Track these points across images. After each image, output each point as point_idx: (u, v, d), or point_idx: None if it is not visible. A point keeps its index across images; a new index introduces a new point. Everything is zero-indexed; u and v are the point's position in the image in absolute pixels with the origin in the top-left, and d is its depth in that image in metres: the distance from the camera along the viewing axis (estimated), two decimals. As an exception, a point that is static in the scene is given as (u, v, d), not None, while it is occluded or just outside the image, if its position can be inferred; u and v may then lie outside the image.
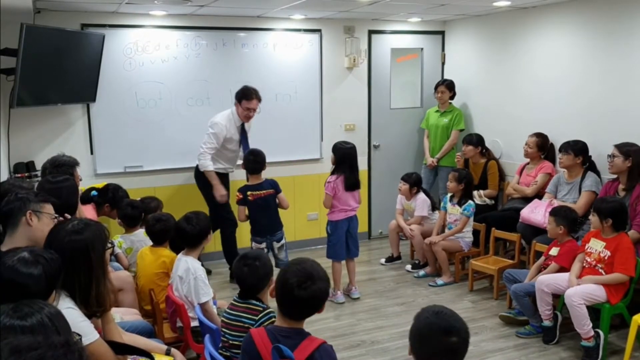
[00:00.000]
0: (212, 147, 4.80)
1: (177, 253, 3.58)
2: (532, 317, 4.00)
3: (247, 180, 4.69)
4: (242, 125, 4.95)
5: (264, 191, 4.43)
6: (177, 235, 3.45)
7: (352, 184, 4.53)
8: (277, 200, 4.52)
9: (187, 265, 3.29)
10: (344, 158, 4.49)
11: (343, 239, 4.63)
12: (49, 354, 1.20)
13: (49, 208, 2.54)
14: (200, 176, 4.95)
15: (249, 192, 4.40)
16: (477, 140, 5.53)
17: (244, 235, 5.05)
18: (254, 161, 4.43)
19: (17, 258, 1.91)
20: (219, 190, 4.86)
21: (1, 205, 2.41)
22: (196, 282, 3.23)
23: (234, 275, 2.81)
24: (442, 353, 1.74)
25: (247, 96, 4.79)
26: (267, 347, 2.07)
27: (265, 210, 4.44)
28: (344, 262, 4.73)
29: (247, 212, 4.51)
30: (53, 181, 3.19)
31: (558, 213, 4.11)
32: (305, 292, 2.07)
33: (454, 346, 1.73)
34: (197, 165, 4.93)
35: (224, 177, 5.04)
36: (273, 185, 4.47)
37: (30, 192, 2.50)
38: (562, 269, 3.94)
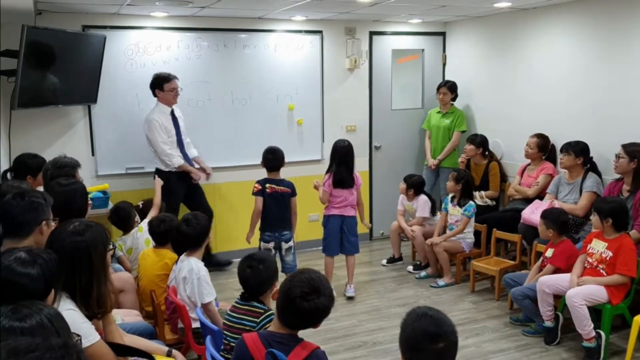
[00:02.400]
0: (165, 141, 4.81)
1: (180, 254, 3.59)
2: (537, 318, 3.99)
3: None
4: (172, 112, 4.94)
5: (283, 187, 4.48)
6: (179, 238, 3.45)
7: (338, 181, 4.60)
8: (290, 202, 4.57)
9: (190, 265, 3.31)
10: (334, 154, 4.66)
11: (336, 235, 4.74)
12: (46, 356, 1.20)
13: (51, 212, 2.53)
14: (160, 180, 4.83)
15: (267, 185, 4.45)
16: (479, 142, 5.52)
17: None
18: (273, 159, 4.48)
19: (14, 258, 1.88)
20: (196, 172, 4.98)
21: (16, 214, 2.33)
22: (199, 282, 3.24)
23: (238, 275, 2.80)
24: (433, 359, 1.74)
25: (165, 79, 4.83)
26: (260, 352, 2.06)
27: (279, 205, 4.49)
28: (337, 258, 4.85)
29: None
30: (65, 184, 3.15)
31: (547, 216, 4.11)
32: (308, 304, 2.06)
33: (442, 352, 1.73)
34: (157, 172, 4.87)
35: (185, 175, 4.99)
36: (291, 186, 4.52)
37: (41, 198, 2.45)
38: (558, 270, 3.94)
